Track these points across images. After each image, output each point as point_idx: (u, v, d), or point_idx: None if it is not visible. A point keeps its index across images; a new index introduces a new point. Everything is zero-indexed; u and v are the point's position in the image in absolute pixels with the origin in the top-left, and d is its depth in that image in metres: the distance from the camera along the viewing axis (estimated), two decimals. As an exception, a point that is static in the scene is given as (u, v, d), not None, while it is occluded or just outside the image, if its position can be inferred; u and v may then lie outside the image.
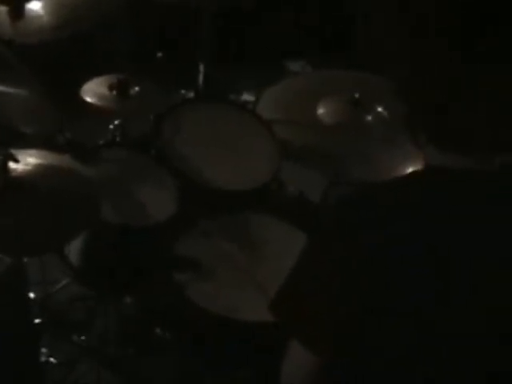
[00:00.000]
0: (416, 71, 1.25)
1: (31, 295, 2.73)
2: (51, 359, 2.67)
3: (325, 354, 1.27)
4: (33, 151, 2.30)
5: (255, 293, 2.30)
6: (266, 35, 3.71)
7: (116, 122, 2.67)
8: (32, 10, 2.61)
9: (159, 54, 3.27)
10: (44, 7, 2.63)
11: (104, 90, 2.62)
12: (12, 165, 2.13)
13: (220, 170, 2.56)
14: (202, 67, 2.96)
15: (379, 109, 2.70)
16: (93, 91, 2.63)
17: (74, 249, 2.53)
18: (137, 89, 2.65)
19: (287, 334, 1.30)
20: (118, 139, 2.68)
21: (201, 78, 2.96)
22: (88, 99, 2.60)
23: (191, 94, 2.98)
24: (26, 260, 2.44)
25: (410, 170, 2.54)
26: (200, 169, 2.54)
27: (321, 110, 2.74)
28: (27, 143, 2.39)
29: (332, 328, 1.25)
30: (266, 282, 2.32)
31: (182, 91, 2.99)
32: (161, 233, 2.44)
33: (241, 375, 2.33)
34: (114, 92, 2.60)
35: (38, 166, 2.25)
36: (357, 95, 2.68)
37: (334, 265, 1.24)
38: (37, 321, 2.69)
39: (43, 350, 2.67)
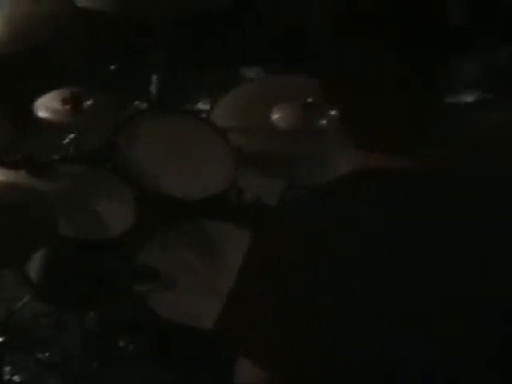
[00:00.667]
0: (340, 70, 1.27)
1: (-7, 314, 2.71)
2: (15, 377, 2.65)
3: (275, 369, 1.23)
4: (-13, 168, 2.29)
5: (215, 300, 2.30)
6: (220, 43, 3.71)
7: (70, 136, 2.66)
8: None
9: (113, 66, 3.28)
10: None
11: (57, 105, 2.61)
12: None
13: (177, 179, 2.57)
14: (155, 77, 2.95)
15: (332, 112, 2.72)
16: (46, 106, 2.62)
17: (33, 265, 2.52)
18: (90, 102, 2.64)
19: (234, 348, 1.28)
20: (72, 153, 2.67)
21: (154, 88, 2.96)
22: (41, 114, 2.59)
23: (145, 105, 2.98)
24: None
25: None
26: (157, 179, 2.55)
27: (275, 116, 2.75)
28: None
29: (283, 340, 1.23)
30: (226, 289, 2.32)
31: (136, 102, 2.99)
32: (120, 244, 2.43)
33: (203, 382, 2.33)
34: (68, 106, 2.60)
35: (-8, 183, 2.24)
36: (310, 99, 2.70)
37: (285, 267, 1.24)
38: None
39: (6, 368, 2.64)
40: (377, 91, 1.24)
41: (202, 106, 3.47)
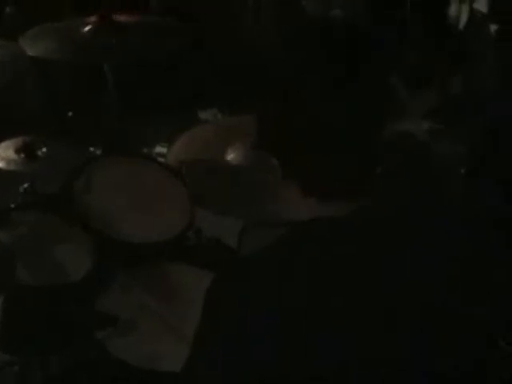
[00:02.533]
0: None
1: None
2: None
3: None
4: None
5: (177, 342, 2.31)
6: (176, 85, 3.75)
7: (26, 185, 2.67)
8: None
9: (67, 113, 3.30)
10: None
11: (11, 154, 2.62)
12: None
13: (134, 222, 2.58)
14: (109, 123, 2.97)
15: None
16: (0, 156, 2.63)
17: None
18: (45, 149, 2.65)
19: None
20: (29, 201, 2.68)
21: (109, 133, 2.98)
22: (-4, 164, 2.60)
23: (99, 151, 3.00)
24: None
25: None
26: (114, 223, 2.56)
27: (229, 156, 2.78)
28: None
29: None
30: (187, 331, 2.33)
31: (91, 148, 3.01)
32: (79, 289, 2.43)
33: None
34: (22, 155, 2.61)
35: None
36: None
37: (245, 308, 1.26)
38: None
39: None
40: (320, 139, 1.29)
41: (160, 149, 3.50)
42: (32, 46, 2.78)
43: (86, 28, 2.79)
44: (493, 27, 3.33)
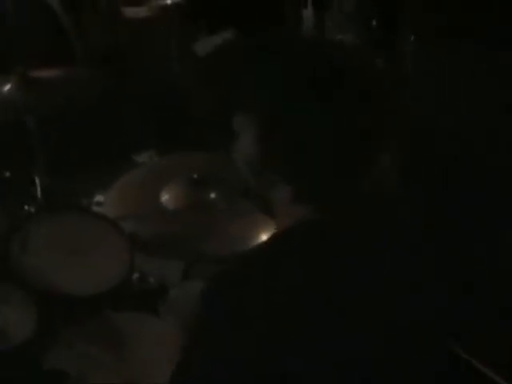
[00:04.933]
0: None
1: None
2: None
3: None
4: None
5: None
6: (109, 133, 3.76)
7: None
8: None
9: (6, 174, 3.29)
10: None
11: None
12: None
13: (74, 276, 2.56)
14: (39, 179, 2.96)
15: (220, 184, 2.77)
16: None
17: None
18: (-23, 214, 2.64)
19: None
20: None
21: (40, 190, 2.97)
22: None
23: (34, 209, 2.98)
24: None
25: (264, 235, 2.61)
26: (54, 279, 2.54)
27: (164, 197, 2.79)
28: None
29: None
30: (137, 377, 2.33)
31: (26, 207, 3.00)
32: (24, 351, 2.41)
33: None
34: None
35: None
36: (195, 175, 2.75)
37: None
38: None
39: None
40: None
41: (99, 198, 3.48)
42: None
43: (7, 87, 2.79)
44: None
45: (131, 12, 3.98)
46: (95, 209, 3.04)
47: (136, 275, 2.75)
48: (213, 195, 2.75)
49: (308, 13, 3.88)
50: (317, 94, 1.32)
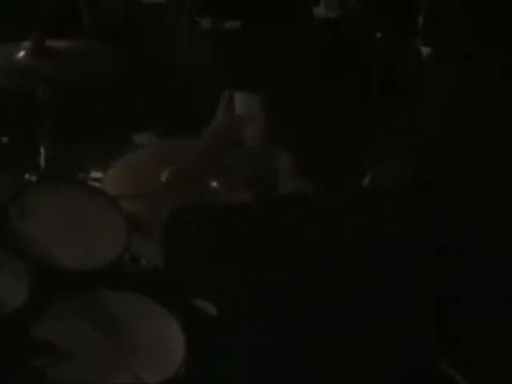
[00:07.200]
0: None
1: None
2: None
3: None
4: None
5: (117, 370, 2.30)
6: (109, 111, 3.74)
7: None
8: None
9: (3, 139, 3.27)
10: None
11: None
12: None
13: (70, 249, 2.56)
14: (44, 149, 2.95)
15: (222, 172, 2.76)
16: None
17: None
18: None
19: None
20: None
21: (44, 159, 2.96)
22: None
23: (35, 177, 2.97)
24: None
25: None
26: (50, 251, 2.54)
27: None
28: None
29: None
30: (126, 358, 2.33)
31: (26, 175, 2.98)
32: (14, 320, 2.40)
33: None
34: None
35: None
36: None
37: None
38: None
39: None
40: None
41: (95, 174, 3.47)
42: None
43: (20, 53, 2.77)
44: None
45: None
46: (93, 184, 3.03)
47: (130, 255, 2.74)
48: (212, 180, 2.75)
49: (320, 11, 3.86)
50: (327, 68, 1.34)
